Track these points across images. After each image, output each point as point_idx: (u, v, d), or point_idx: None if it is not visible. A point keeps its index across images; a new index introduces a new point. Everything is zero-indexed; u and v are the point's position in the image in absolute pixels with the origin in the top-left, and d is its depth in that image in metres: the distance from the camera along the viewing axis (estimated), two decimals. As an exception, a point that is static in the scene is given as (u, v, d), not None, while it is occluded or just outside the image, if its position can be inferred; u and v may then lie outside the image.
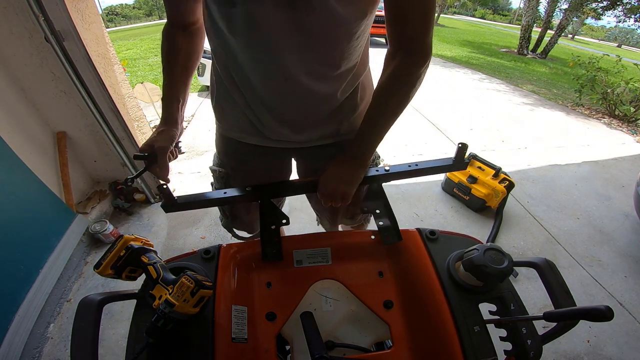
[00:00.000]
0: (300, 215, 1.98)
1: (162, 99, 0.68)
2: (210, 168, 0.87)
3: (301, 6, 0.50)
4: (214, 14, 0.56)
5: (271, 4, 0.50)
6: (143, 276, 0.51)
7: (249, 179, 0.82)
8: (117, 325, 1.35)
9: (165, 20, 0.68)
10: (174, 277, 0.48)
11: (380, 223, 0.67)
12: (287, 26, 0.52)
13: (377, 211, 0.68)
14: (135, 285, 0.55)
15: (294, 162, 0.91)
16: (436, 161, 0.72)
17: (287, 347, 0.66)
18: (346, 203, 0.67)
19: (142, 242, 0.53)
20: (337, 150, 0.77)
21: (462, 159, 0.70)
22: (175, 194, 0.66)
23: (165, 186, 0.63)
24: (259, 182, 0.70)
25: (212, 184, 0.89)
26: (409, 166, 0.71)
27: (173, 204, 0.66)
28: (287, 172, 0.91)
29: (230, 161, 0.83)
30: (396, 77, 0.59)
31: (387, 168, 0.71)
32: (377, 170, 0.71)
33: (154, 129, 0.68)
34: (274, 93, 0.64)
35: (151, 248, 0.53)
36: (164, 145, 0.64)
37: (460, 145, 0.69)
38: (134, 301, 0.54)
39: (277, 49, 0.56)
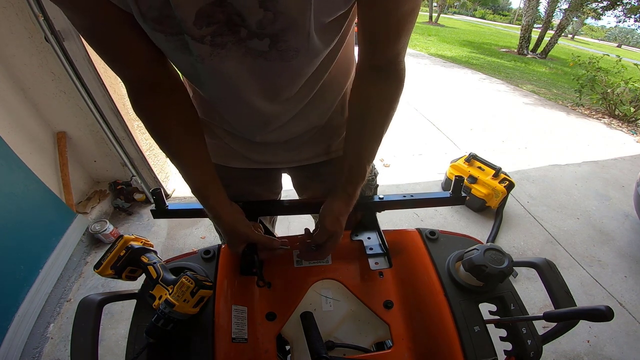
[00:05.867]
0: (300, 215, 1.97)
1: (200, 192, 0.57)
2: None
3: (284, 56, 0.44)
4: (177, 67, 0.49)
5: (241, 53, 0.43)
6: (143, 276, 0.51)
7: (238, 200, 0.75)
8: (117, 325, 1.35)
9: None
10: (174, 277, 0.48)
11: (370, 250, 0.62)
12: (263, 73, 0.46)
13: (369, 238, 0.65)
14: (135, 285, 0.55)
15: (286, 176, 0.86)
16: (432, 194, 0.72)
17: (287, 347, 0.66)
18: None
19: (142, 242, 0.53)
20: (330, 168, 0.73)
21: (459, 192, 0.70)
22: (174, 195, 0.65)
23: (159, 190, 0.62)
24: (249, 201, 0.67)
25: None
26: (404, 196, 0.70)
27: (163, 210, 0.66)
28: (278, 188, 0.88)
29: None
30: (376, 107, 0.54)
31: (381, 197, 0.70)
32: (370, 198, 0.70)
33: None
34: (251, 129, 0.60)
35: (151, 248, 0.53)
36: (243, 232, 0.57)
37: (457, 177, 0.68)
38: (134, 301, 0.54)
39: (248, 96, 0.50)
